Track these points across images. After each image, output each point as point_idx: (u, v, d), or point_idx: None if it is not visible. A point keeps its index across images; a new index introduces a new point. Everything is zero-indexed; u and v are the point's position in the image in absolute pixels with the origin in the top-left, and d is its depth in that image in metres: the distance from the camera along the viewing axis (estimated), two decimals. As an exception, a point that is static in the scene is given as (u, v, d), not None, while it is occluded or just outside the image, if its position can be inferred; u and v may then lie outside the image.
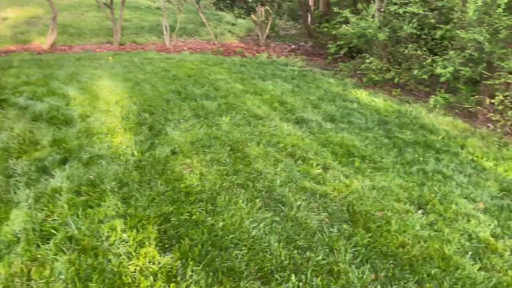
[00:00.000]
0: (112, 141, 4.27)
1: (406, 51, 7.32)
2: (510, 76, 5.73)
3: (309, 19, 12.54)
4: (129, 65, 7.86)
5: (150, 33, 11.62)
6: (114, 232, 2.84)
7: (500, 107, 5.72)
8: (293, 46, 11.49)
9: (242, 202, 3.29)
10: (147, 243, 2.76)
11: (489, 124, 5.95)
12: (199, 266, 2.60)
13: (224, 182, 3.60)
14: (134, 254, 2.66)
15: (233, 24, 13.37)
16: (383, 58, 7.89)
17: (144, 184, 3.50)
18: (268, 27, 11.40)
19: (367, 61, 7.76)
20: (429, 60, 6.83)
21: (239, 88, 6.64)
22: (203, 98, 5.92)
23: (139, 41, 10.84)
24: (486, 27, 5.84)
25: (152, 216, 3.04)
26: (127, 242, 2.76)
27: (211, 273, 2.55)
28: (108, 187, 3.39)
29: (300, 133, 4.86)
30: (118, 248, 2.71)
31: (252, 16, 11.31)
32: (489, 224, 3.37)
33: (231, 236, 2.89)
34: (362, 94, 6.95)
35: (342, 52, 8.82)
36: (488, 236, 3.19)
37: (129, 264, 2.58)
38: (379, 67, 7.66)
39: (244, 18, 11.71)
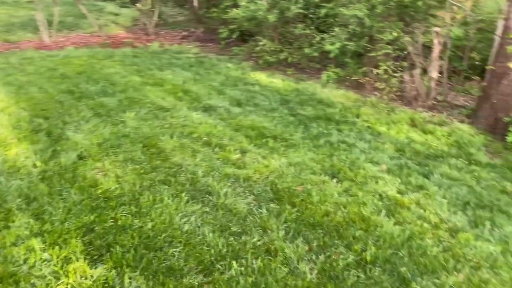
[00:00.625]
0: (6, 154, 3.83)
1: (295, 31, 7.65)
2: (389, 47, 6.33)
3: (195, 4, 12.37)
4: (6, 67, 7.02)
5: (24, 30, 10.46)
6: (33, 253, 2.59)
7: (384, 76, 6.32)
8: (184, 33, 11.27)
9: (168, 199, 3.21)
10: (73, 258, 2.56)
11: (376, 93, 6.54)
12: (136, 271, 2.50)
13: (144, 181, 3.47)
14: (61, 272, 2.46)
15: (117, 14, 12.63)
16: (275, 40, 8.14)
17: (56, 195, 3.22)
18: (156, 14, 11.01)
19: (261, 43, 7.94)
20: (317, 38, 7.23)
21: (137, 80, 6.36)
22: (101, 95, 5.56)
23: (12, 39, 9.69)
24: (365, 4, 6.36)
25: (73, 229, 2.82)
26: (50, 261, 2.54)
27: (150, 277, 2.47)
28: (14, 206, 3.06)
29: (211, 121, 4.85)
30: (41, 269, 2.48)
31: (137, 4, 10.80)
32: (394, 183, 3.75)
33: (163, 235, 2.81)
34: (261, 76, 7.13)
35: (234, 36, 8.88)
36: (395, 194, 3.56)
37: (58, 284, 2.38)
38: (272, 48, 7.89)
39: (128, 7, 11.14)
